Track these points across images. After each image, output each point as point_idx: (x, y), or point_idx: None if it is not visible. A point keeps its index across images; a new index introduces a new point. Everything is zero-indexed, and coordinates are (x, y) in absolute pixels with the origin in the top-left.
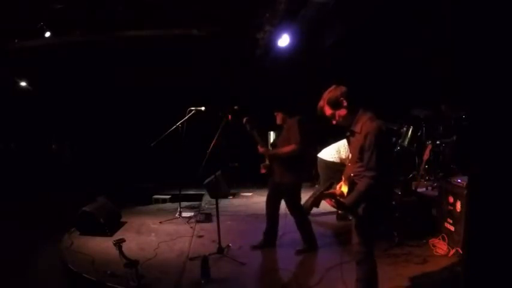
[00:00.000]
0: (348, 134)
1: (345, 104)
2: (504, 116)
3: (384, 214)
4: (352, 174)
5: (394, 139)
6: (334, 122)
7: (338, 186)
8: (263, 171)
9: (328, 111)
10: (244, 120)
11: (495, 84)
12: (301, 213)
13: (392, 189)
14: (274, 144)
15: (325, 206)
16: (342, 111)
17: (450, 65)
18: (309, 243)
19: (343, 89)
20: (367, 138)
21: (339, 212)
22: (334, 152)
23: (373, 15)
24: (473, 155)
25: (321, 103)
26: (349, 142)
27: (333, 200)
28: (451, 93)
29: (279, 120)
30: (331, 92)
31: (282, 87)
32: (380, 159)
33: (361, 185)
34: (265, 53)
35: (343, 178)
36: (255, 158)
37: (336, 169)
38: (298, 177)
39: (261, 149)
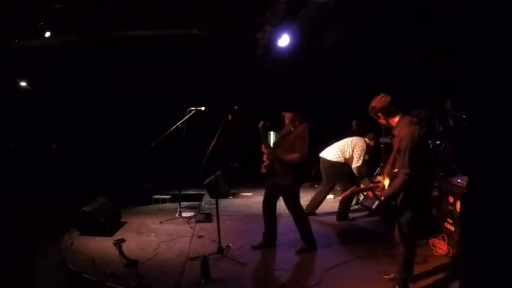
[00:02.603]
0: (390, 136)
1: (382, 117)
2: (504, 116)
3: (419, 205)
4: (393, 171)
5: None
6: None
7: (382, 180)
8: (263, 170)
9: (372, 116)
10: (261, 124)
11: (495, 84)
12: (301, 213)
13: (429, 184)
14: (276, 144)
15: (325, 206)
16: (381, 121)
17: (450, 65)
18: (309, 243)
19: (383, 102)
20: (402, 141)
21: (339, 211)
22: (338, 151)
23: (373, 15)
24: (473, 155)
25: (368, 109)
26: (392, 143)
27: (372, 193)
28: (452, 93)
29: (287, 121)
30: (374, 103)
31: (282, 87)
32: (412, 160)
33: (397, 181)
34: (265, 53)
35: (385, 174)
36: (255, 157)
37: (339, 168)
38: (298, 179)
39: (264, 150)
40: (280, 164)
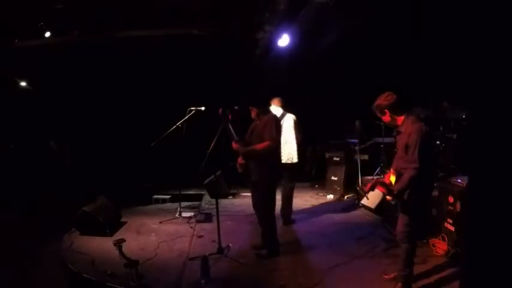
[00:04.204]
0: (395, 133)
1: (388, 114)
2: (504, 116)
3: (424, 199)
4: (400, 168)
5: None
6: (383, 122)
7: (387, 177)
8: (240, 170)
9: (377, 114)
10: (220, 111)
11: (495, 85)
12: (268, 216)
13: (433, 179)
14: (247, 142)
15: (325, 206)
16: (386, 118)
17: (449, 64)
18: (270, 249)
19: (390, 100)
20: (410, 137)
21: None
22: (285, 154)
23: (373, 15)
24: (473, 154)
25: (372, 107)
26: (396, 140)
27: (384, 188)
28: (451, 92)
29: (253, 115)
30: (381, 100)
31: (282, 87)
32: (421, 154)
33: (406, 175)
34: (265, 53)
35: (391, 170)
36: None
37: (289, 168)
38: (274, 175)
39: (235, 146)
40: (255, 160)
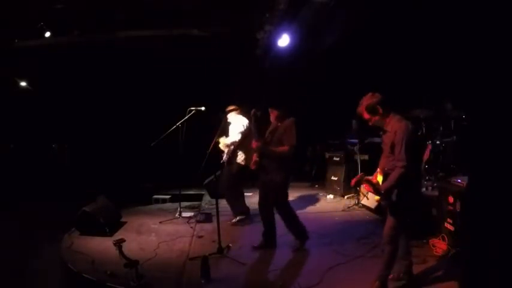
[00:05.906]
0: (382, 133)
1: (381, 111)
2: (504, 116)
3: (413, 200)
4: (386, 168)
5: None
6: (370, 124)
7: (374, 176)
8: (253, 167)
9: (366, 116)
10: (253, 112)
11: (494, 85)
12: (287, 211)
13: (420, 178)
14: (265, 141)
15: (325, 206)
16: (376, 117)
17: (450, 65)
18: (301, 237)
19: (377, 97)
20: (397, 135)
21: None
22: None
23: (373, 15)
24: (474, 154)
25: (360, 109)
26: (382, 140)
27: (371, 186)
28: (452, 93)
29: (273, 118)
30: (368, 100)
31: (282, 87)
32: (408, 151)
33: (394, 173)
34: (265, 53)
35: (378, 170)
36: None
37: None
38: (287, 176)
39: (255, 144)
40: (271, 160)
